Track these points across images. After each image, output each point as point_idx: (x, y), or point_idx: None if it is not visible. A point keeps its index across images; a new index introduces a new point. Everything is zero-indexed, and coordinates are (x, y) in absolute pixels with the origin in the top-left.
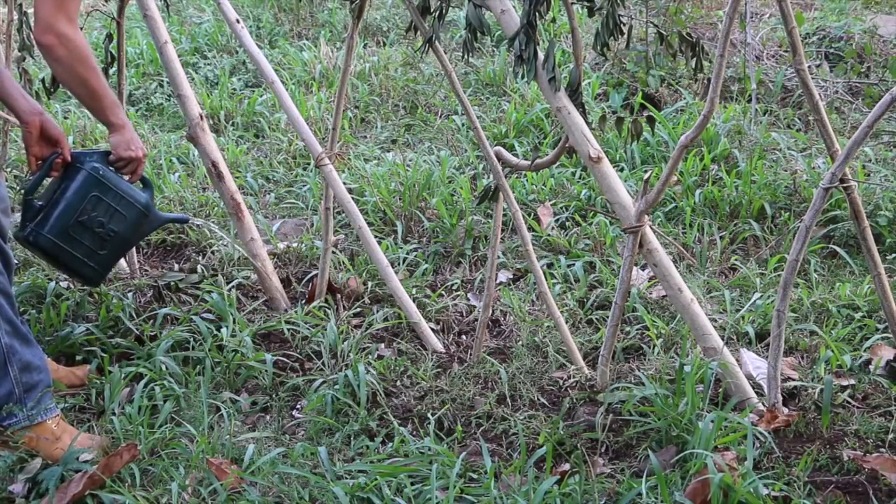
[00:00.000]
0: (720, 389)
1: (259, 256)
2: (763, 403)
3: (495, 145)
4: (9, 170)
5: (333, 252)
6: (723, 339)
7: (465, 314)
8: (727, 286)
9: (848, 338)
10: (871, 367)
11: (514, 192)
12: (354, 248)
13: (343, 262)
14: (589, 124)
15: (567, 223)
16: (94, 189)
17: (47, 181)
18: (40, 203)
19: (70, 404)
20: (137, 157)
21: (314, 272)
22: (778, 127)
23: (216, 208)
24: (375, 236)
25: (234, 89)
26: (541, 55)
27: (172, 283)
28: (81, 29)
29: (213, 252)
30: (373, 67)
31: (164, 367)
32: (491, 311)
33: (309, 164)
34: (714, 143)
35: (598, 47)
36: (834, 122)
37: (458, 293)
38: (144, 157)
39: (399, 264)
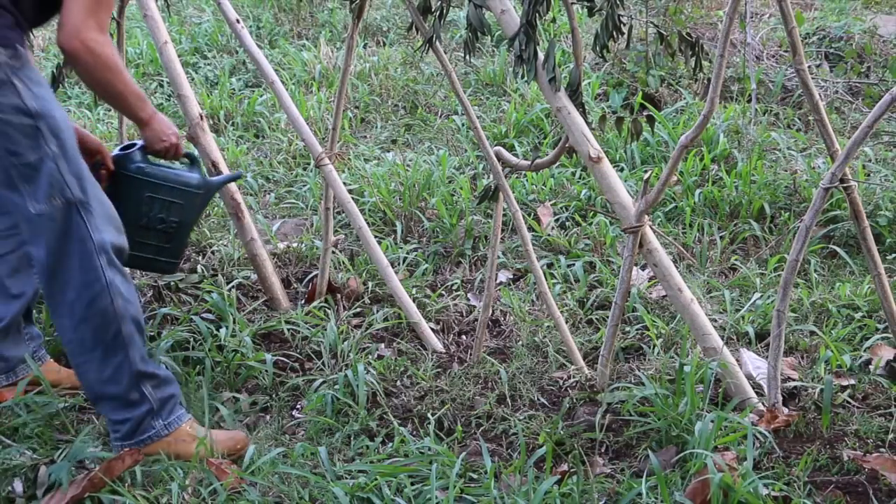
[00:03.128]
0: (720, 389)
1: (259, 256)
2: (763, 403)
3: (495, 145)
4: None
5: (333, 252)
6: (723, 339)
7: (465, 314)
8: (727, 286)
9: (848, 338)
10: (871, 367)
11: (514, 192)
12: (354, 248)
13: (343, 262)
14: (589, 124)
15: (567, 223)
16: (146, 190)
17: None
18: None
19: (70, 404)
20: (172, 144)
21: (314, 272)
22: (778, 127)
23: (216, 208)
24: (375, 236)
25: (234, 89)
26: (541, 55)
27: (172, 283)
28: None
29: (213, 252)
30: (373, 67)
31: (154, 362)
32: (491, 311)
33: (309, 164)
34: (714, 143)
35: (598, 49)
36: (834, 122)
37: (458, 293)
38: (178, 139)
39: (399, 264)
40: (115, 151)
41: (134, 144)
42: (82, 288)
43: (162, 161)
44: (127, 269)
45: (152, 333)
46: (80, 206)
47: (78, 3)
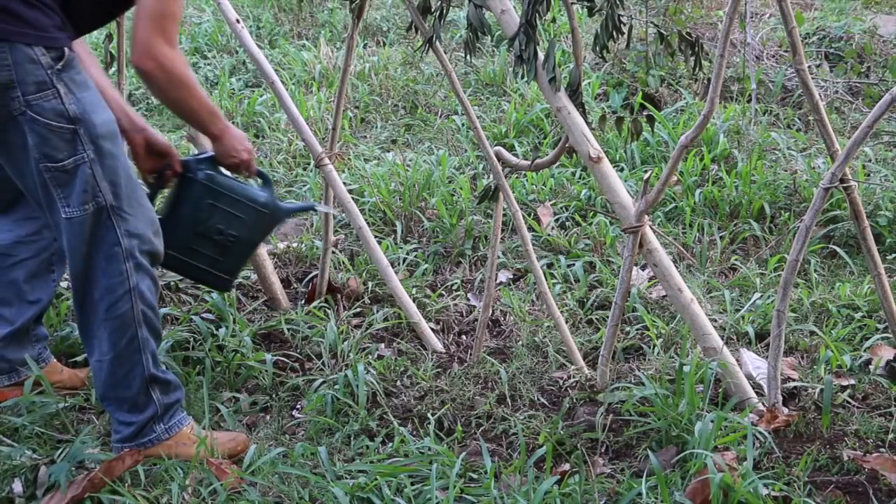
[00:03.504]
0: (720, 389)
1: (259, 256)
2: (763, 403)
3: (495, 145)
4: None
5: (333, 252)
6: (723, 339)
7: (465, 314)
8: (727, 286)
9: (848, 338)
10: (871, 367)
11: (514, 192)
12: (354, 248)
13: (343, 262)
14: (589, 124)
15: (567, 223)
16: (208, 197)
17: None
18: (158, 217)
19: (70, 404)
20: (242, 160)
21: (314, 272)
22: (778, 127)
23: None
24: (375, 236)
25: (234, 89)
26: (541, 55)
27: (172, 283)
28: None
29: None
30: (373, 67)
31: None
32: (491, 311)
33: (309, 164)
34: (714, 143)
35: (598, 49)
36: (834, 122)
37: (458, 293)
38: (250, 156)
39: (399, 264)
40: (188, 157)
41: (206, 153)
42: (106, 291)
43: (236, 176)
44: (155, 274)
45: None
46: (112, 211)
47: (144, 20)
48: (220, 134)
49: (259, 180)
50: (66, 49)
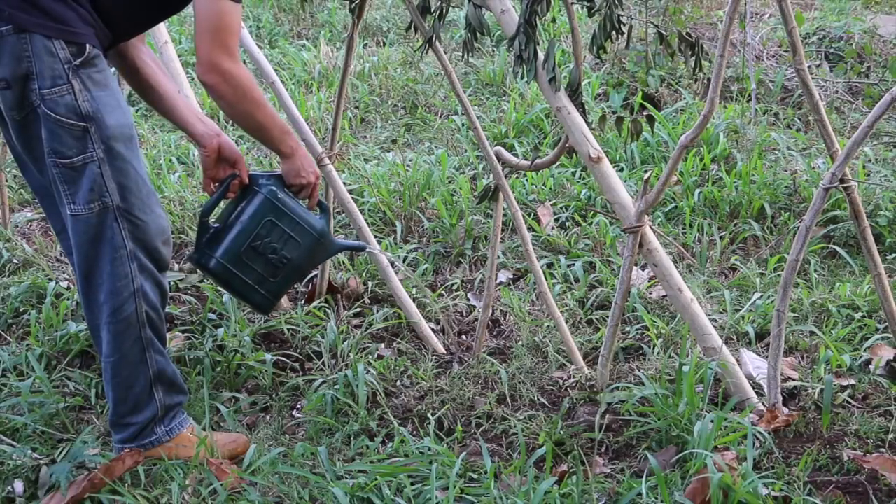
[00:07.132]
0: (720, 389)
1: None
2: (763, 403)
3: (495, 145)
4: (8, 170)
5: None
6: (723, 339)
7: (465, 314)
8: (727, 286)
9: (848, 338)
10: (871, 367)
11: (514, 192)
12: None
13: (343, 262)
14: (589, 124)
15: (567, 223)
16: (270, 213)
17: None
18: (216, 226)
19: (70, 404)
20: (309, 183)
21: (314, 272)
22: (778, 127)
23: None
24: (375, 236)
25: None
26: (541, 55)
27: (172, 283)
28: None
29: None
30: (373, 67)
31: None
32: (491, 311)
33: None
34: (714, 143)
35: (595, 49)
36: (834, 122)
37: (458, 293)
38: (318, 180)
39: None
40: (256, 171)
41: (275, 172)
42: (111, 294)
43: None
44: (158, 274)
45: None
46: (119, 212)
47: (203, 36)
48: (290, 153)
49: (317, 209)
50: (88, 45)
